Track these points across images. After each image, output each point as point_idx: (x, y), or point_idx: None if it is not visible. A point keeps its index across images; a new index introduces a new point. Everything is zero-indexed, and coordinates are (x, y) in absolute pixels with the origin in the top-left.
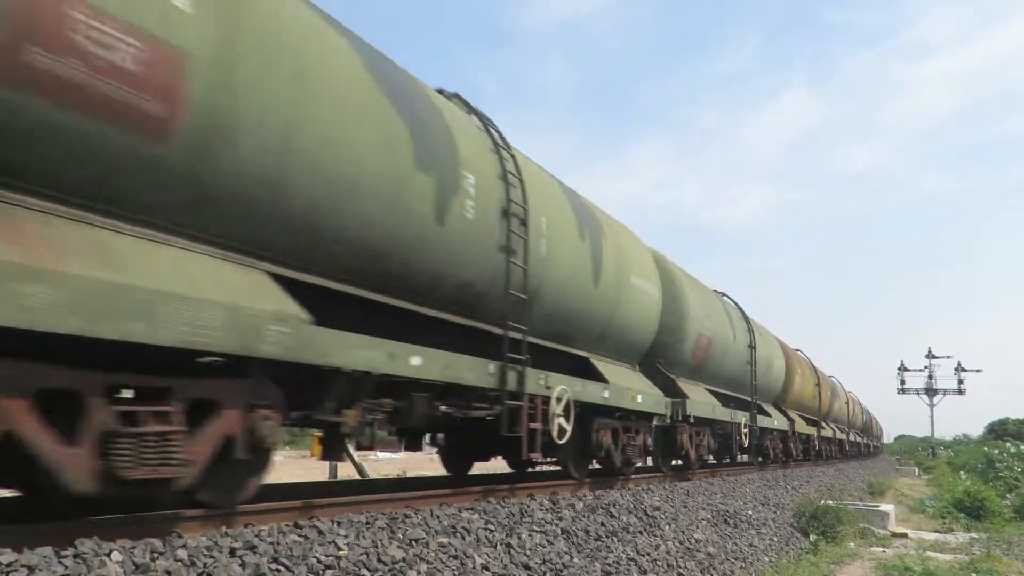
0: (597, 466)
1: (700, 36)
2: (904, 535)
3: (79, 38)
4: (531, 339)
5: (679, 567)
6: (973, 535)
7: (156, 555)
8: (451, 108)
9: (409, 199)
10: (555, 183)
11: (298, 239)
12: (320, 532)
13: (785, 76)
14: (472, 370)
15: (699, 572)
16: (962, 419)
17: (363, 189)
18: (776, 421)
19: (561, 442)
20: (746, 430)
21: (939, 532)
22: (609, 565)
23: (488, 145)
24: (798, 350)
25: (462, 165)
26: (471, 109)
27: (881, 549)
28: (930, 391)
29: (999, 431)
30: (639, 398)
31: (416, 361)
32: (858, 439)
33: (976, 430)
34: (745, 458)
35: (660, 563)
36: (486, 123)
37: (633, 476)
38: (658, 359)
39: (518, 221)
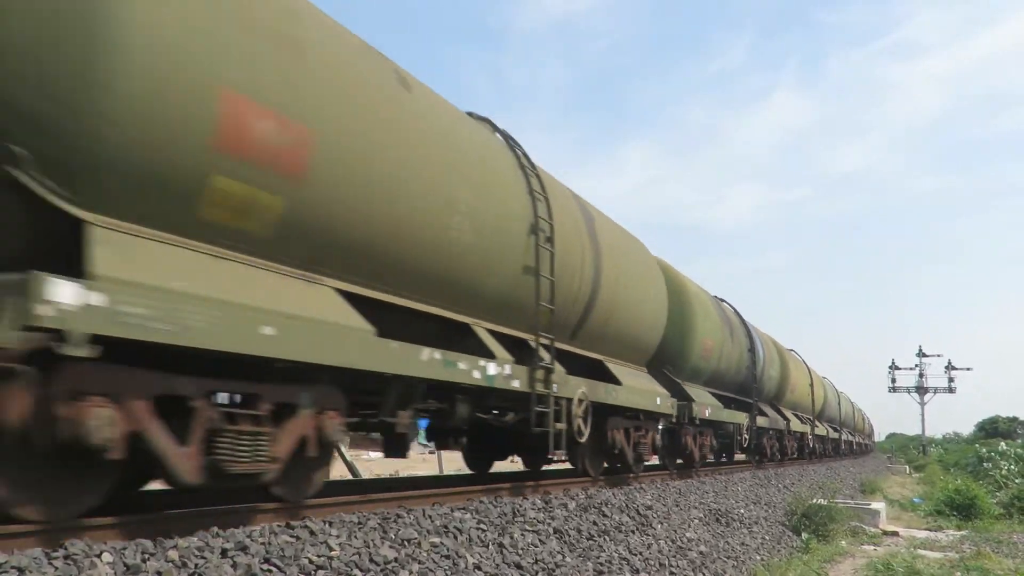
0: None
1: (692, 36)
2: (895, 533)
3: None
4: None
5: (671, 566)
6: (963, 533)
7: (147, 556)
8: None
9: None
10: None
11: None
12: (312, 532)
13: (776, 76)
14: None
15: (691, 571)
16: (953, 417)
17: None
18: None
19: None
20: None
21: (930, 530)
22: (601, 564)
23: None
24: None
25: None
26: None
27: (872, 547)
28: (921, 389)
29: (989, 429)
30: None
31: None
32: (850, 437)
33: (967, 428)
34: (741, 456)
35: (652, 562)
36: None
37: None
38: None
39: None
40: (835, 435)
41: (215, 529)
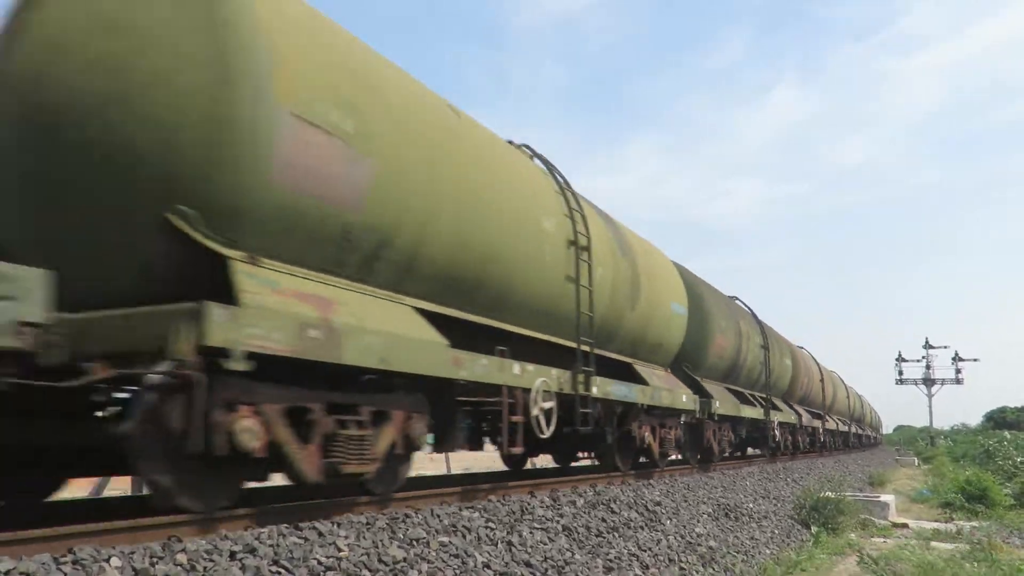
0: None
1: (692, 32)
2: (905, 525)
3: None
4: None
5: (681, 561)
6: (974, 524)
7: (155, 559)
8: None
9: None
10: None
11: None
12: (320, 534)
13: (776, 71)
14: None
15: (700, 566)
16: (960, 408)
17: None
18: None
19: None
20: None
21: (940, 521)
22: (611, 561)
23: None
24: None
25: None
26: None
27: (882, 540)
28: (928, 381)
29: (998, 420)
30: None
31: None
32: (859, 430)
33: (975, 419)
34: (750, 450)
35: (662, 558)
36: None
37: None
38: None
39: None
40: (844, 429)
41: (223, 532)
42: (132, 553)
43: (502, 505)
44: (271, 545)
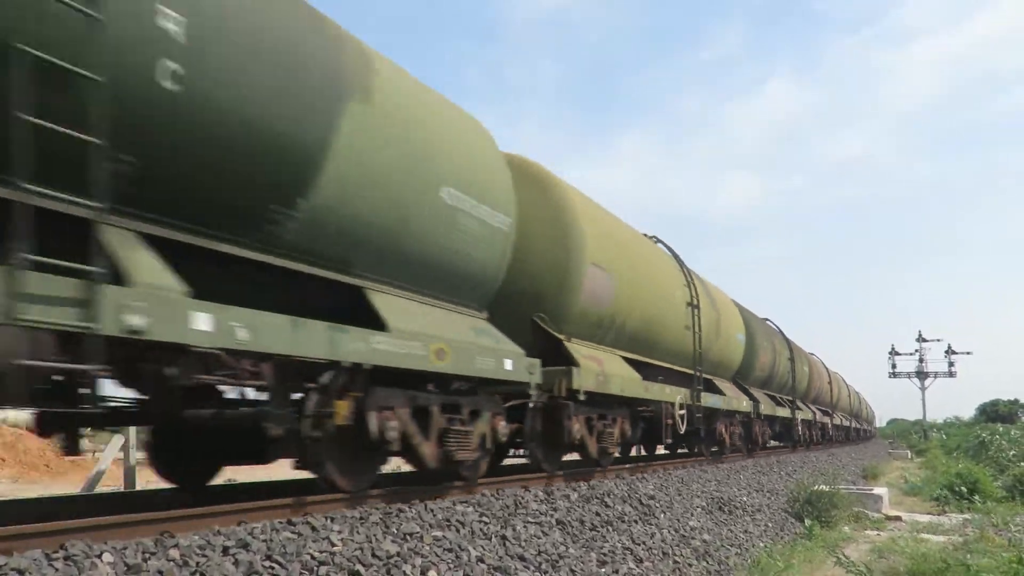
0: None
1: (686, 25)
2: (898, 518)
3: None
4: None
5: (675, 555)
6: (966, 516)
7: (148, 555)
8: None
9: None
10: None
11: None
12: (314, 528)
13: (771, 64)
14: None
15: (695, 559)
16: (953, 401)
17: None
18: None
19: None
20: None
21: (932, 514)
22: (604, 554)
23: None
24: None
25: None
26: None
27: (876, 532)
28: (921, 374)
29: (991, 412)
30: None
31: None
32: (858, 425)
33: (967, 412)
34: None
35: (656, 551)
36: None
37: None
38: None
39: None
40: (847, 424)
41: (216, 527)
42: (124, 549)
43: (496, 499)
44: (264, 540)
